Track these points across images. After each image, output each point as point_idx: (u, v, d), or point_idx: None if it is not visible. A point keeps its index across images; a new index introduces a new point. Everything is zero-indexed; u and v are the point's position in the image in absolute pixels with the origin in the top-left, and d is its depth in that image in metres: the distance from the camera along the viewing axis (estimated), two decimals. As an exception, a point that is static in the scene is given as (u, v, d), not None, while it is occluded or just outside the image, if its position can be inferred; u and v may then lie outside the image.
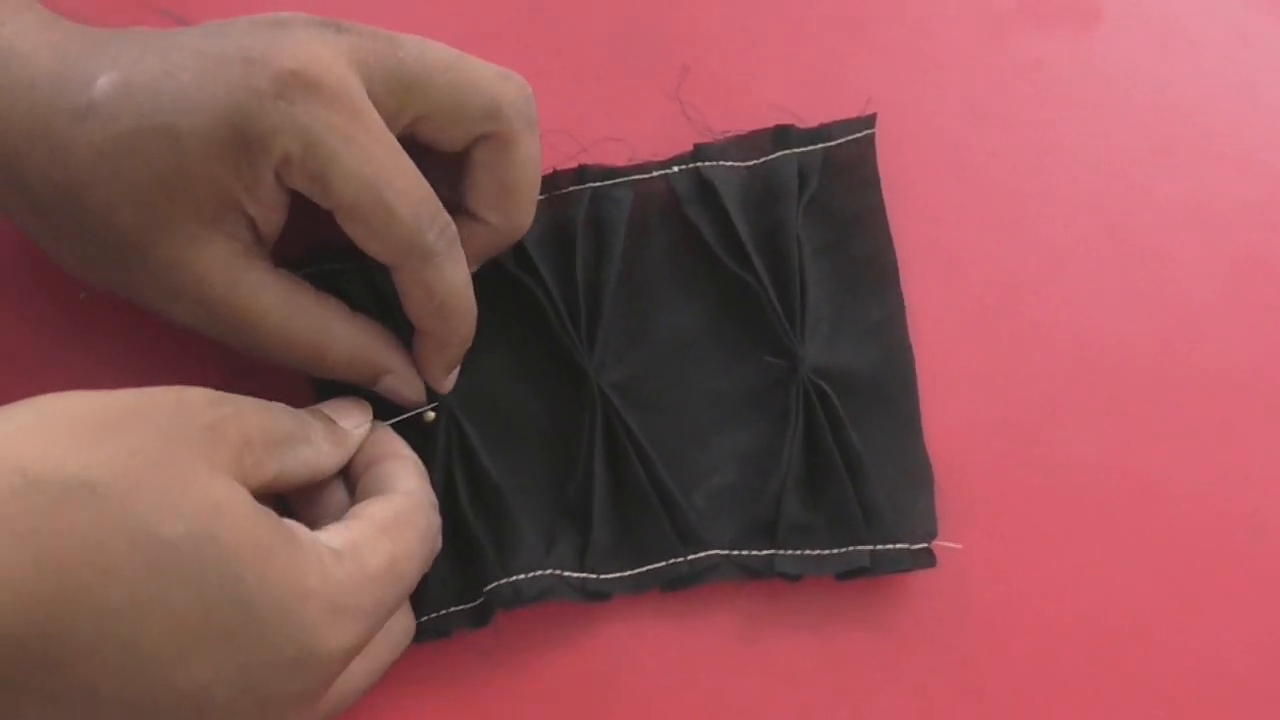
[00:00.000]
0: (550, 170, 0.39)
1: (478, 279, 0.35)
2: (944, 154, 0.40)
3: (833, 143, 0.39)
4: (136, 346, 0.38)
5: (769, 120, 0.39)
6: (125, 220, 0.31)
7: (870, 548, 0.35)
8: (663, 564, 0.35)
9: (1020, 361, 0.38)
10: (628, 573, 0.36)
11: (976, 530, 0.36)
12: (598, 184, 0.38)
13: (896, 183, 0.39)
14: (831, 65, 0.41)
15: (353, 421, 0.34)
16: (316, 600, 0.28)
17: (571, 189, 0.39)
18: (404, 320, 0.35)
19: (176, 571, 0.26)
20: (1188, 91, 0.41)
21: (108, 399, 0.28)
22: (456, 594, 0.35)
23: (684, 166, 0.39)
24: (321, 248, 0.37)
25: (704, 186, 0.38)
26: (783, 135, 0.39)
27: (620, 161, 0.39)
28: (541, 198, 0.38)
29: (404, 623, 0.33)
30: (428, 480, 0.34)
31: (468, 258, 0.34)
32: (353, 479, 0.34)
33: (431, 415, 0.36)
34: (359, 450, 0.34)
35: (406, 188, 0.32)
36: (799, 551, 0.36)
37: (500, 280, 0.37)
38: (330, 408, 0.34)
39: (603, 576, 0.35)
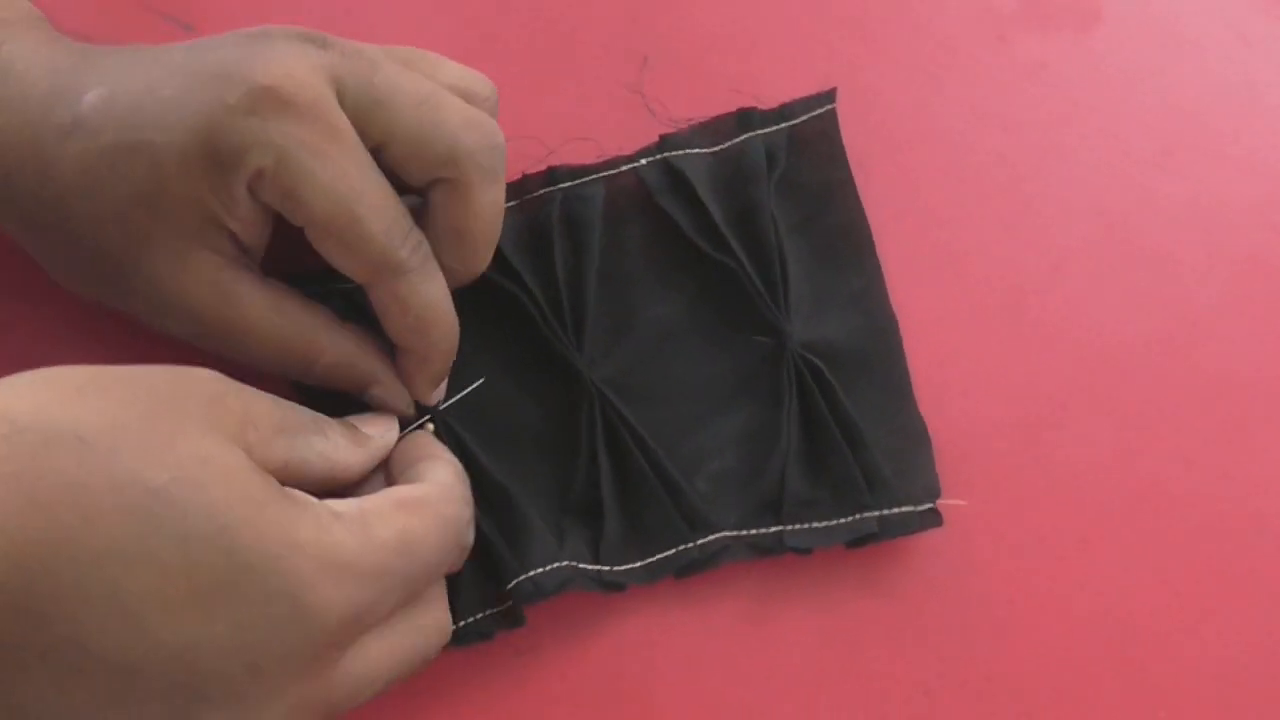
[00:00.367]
0: (519, 175, 0.39)
1: (458, 290, 0.35)
2: (946, 155, 0.40)
3: (796, 121, 0.40)
4: (136, 355, 0.37)
5: (730, 105, 0.40)
6: (110, 236, 0.32)
7: (877, 513, 0.36)
8: (673, 551, 0.35)
9: (1023, 362, 0.38)
10: (639, 563, 0.36)
11: (985, 534, 0.37)
12: (568, 184, 0.39)
13: (898, 185, 0.40)
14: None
15: (376, 429, 0.33)
16: (308, 553, 0.27)
17: (542, 191, 0.39)
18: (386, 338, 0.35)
19: (160, 519, 0.25)
20: (1189, 92, 0.41)
21: (109, 369, 0.27)
22: (483, 598, 0.35)
23: (652, 158, 0.39)
24: (304, 276, 0.36)
25: (674, 176, 0.39)
26: (746, 118, 0.39)
27: (589, 159, 0.39)
28: (513, 203, 0.38)
29: (435, 616, 0.32)
30: (466, 482, 0.33)
31: None
32: (390, 484, 0.33)
33: (431, 428, 0.36)
34: (396, 454, 0.33)
35: (378, 204, 0.32)
36: (807, 525, 0.36)
37: (481, 288, 0.37)
38: (353, 418, 0.33)
39: (616, 569, 0.35)
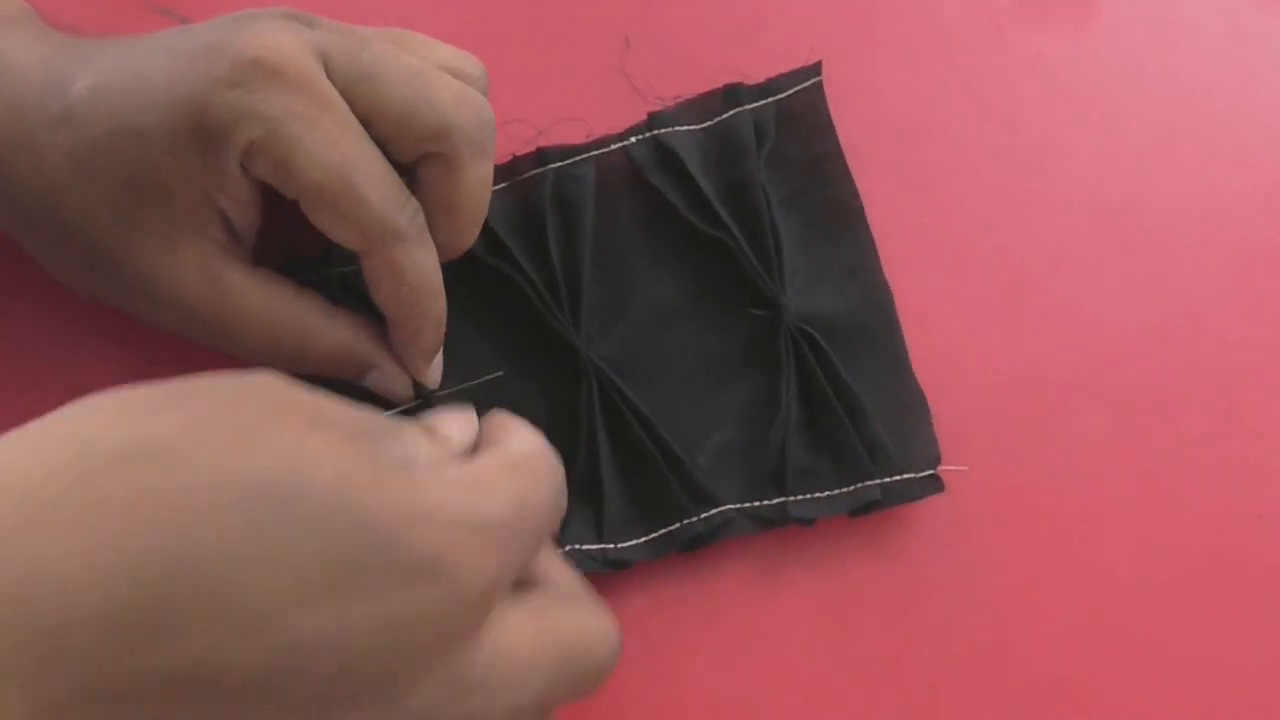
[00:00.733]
0: (509, 157, 0.39)
1: (452, 272, 0.35)
2: (944, 147, 0.40)
3: (783, 95, 0.40)
4: (137, 357, 0.37)
5: (716, 81, 0.40)
6: (101, 227, 0.31)
7: (879, 481, 0.36)
8: (677, 525, 0.36)
9: (1023, 354, 0.38)
10: (643, 539, 0.36)
11: (986, 526, 0.37)
12: (558, 164, 0.39)
13: (897, 176, 0.40)
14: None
15: (454, 429, 0.31)
16: (443, 516, 0.25)
17: (533, 173, 0.39)
18: (380, 322, 0.35)
19: (269, 510, 0.23)
20: (1187, 84, 0.41)
21: (173, 384, 0.25)
22: None
23: (641, 136, 0.39)
24: (294, 264, 0.36)
25: (664, 153, 0.39)
26: (733, 94, 0.39)
27: (578, 140, 0.39)
28: (504, 185, 0.38)
29: (595, 614, 0.29)
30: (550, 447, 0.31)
31: None
32: None
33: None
34: (476, 438, 0.31)
35: (373, 171, 0.31)
36: (809, 495, 0.36)
37: (474, 270, 0.37)
38: (429, 419, 0.31)
39: (620, 545, 0.35)
